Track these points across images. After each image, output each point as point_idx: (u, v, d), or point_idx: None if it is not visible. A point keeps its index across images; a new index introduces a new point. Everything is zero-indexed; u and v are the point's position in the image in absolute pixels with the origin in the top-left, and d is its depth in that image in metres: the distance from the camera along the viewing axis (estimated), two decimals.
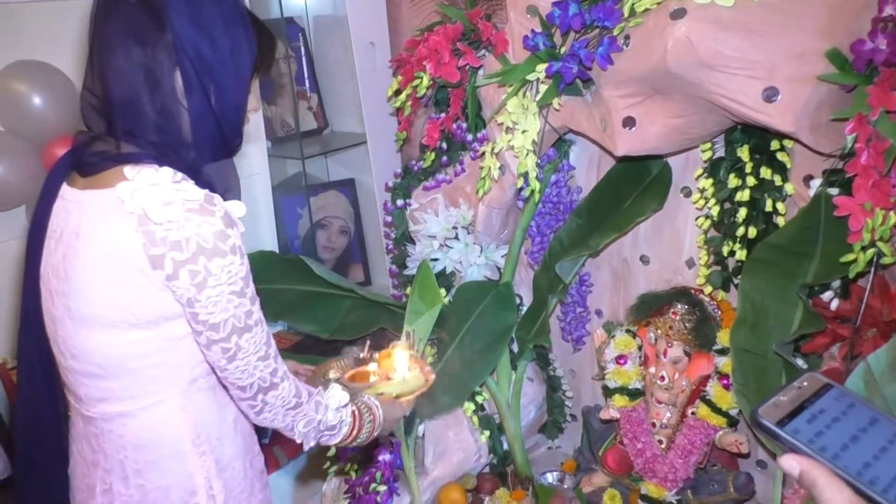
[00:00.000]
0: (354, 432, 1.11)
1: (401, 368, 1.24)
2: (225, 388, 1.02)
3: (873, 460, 0.50)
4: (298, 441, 1.05)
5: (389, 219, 1.99)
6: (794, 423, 0.53)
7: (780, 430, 0.53)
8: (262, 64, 1.00)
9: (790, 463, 0.52)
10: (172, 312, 0.92)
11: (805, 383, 0.56)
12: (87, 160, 0.93)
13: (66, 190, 0.96)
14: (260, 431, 1.16)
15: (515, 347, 1.89)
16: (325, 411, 1.05)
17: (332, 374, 1.27)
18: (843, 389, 0.56)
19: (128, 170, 0.89)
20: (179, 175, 0.90)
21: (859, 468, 0.50)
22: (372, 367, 1.27)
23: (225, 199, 0.93)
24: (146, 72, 0.88)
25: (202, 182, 0.93)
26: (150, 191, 0.86)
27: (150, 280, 0.88)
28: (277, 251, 2.13)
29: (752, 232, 1.44)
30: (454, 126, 1.76)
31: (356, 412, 1.11)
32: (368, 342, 1.30)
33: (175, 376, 0.98)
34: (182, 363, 0.98)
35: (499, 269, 1.91)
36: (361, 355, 1.28)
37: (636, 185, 1.71)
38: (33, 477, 1.08)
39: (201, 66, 0.89)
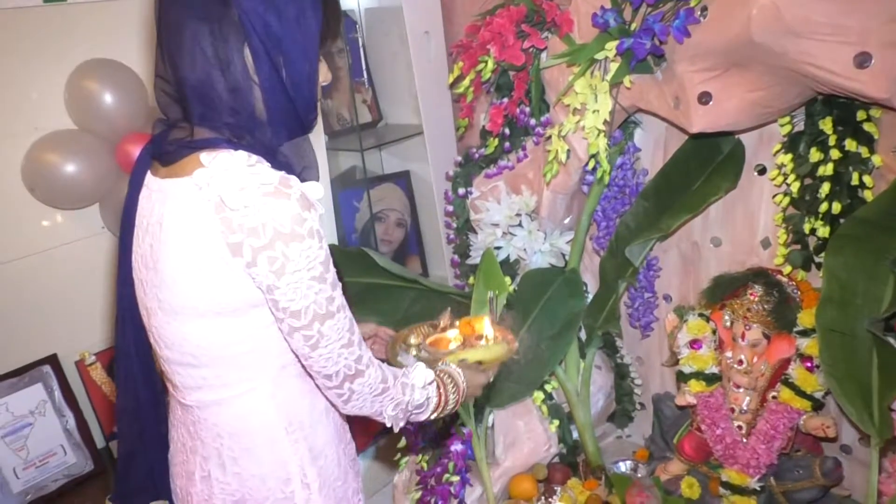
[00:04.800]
0: (441, 404, 1.07)
1: (485, 334, 1.19)
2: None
3: None
4: (388, 424, 1.02)
5: (450, 208, 1.98)
6: None
7: None
8: (329, 30, 0.95)
9: None
10: (257, 300, 0.90)
11: None
12: (165, 149, 0.92)
13: (150, 179, 0.95)
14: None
15: (583, 335, 1.86)
16: (411, 392, 1.01)
17: (412, 340, 1.22)
18: None
19: (203, 156, 0.87)
20: (254, 158, 0.87)
21: None
22: (452, 333, 1.21)
23: (302, 180, 0.90)
24: (215, 51, 0.85)
25: (279, 163, 0.91)
26: (226, 176, 0.84)
27: (232, 268, 0.87)
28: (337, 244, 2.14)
29: (837, 207, 1.39)
30: (517, 110, 1.74)
31: (441, 384, 1.07)
32: (449, 309, 1.24)
33: (265, 363, 0.97)
34: (270, 349, 0.96)
35: (563, 255, 1.89)
36: (441, 323, 1.23)
37: (706, 164, 1.67)
38: (135, 462, 1.09)
39: (269, 39, 0.86)
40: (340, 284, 0.92)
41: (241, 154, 0.87)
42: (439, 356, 1.14)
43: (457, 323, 1.22)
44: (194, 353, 0.94)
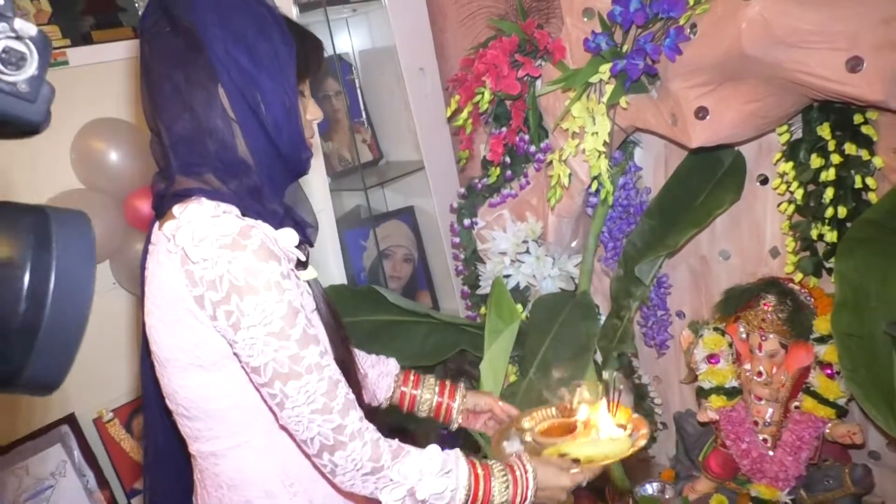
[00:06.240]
0: (481, 496, 0.92)
1: (605, 426, 1.00)
2: None
3: None
4: None
5: (457, 240, 1.99)
6: None
7: None
8: (309, 65, 0.95)
9: None
10: (231, 352, 0.88)
11: None
12: (154, 202, 0.93)
13: (153, 232, 0.96)
14: None
15: (599, 357, 1.85)
16: (418, 477, 0.89)
17: (525, 423, 1.06)
18: None
19: (176, 207, 0.86)
20: (222, 208, 0.86)
21: None
22: (581, 416, 1.02)
23: (288, 224, 0.89)
24: (194, 95, 0.86)
25: (265, 209, 0.89)
26: (188, 228, 0.83)
27: (201, 321, 0.85)
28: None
29: (843, 211, 1.39)
30: (517, 139, 1.75)
31: (482, 476, 0.93)
32: (580, 388, 1.07)
33: (255, 417, 0.94)
34: (258, 405, 0.93)
35: (573, 279, 1.88)
36: (572, 405, 1.05)
37: (709, 178, 1.67)
38: None
39: (242, 77, 0.86)
40: (319, 345, 0.87)
41: (209, 204, 0.86)
42: (544, 446, 0.99)
43: (584, 407, 1.04)
44: (184, 405, 0.94)
